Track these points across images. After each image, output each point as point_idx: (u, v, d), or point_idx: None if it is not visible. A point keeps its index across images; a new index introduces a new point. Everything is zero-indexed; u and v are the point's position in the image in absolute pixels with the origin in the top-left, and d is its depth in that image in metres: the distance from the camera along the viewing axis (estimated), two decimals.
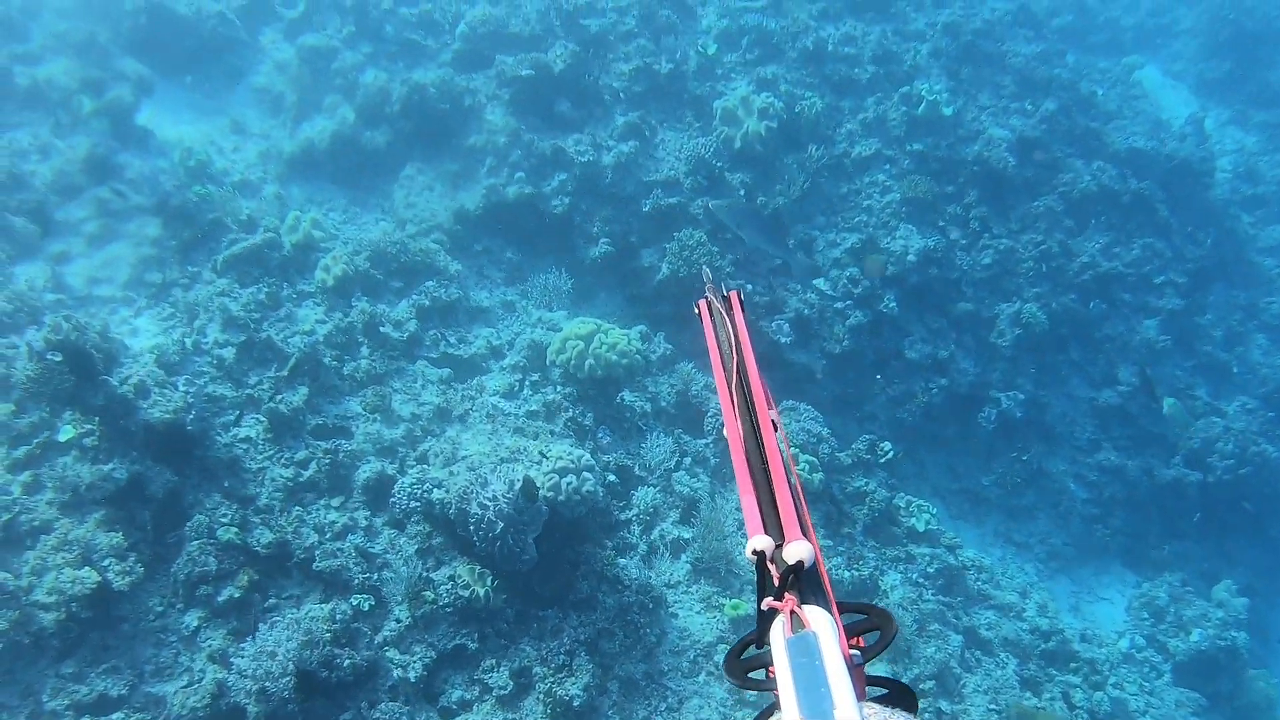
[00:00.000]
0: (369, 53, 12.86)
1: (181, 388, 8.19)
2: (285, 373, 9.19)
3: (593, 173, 11.74)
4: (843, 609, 1.51)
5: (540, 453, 8.27)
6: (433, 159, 11.95)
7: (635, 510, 9.29)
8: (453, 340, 10.33)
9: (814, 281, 12.41)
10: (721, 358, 2.10)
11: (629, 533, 9.21)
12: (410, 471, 8.46)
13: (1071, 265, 13.74)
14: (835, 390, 12.34)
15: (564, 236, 11.88)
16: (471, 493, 7.76)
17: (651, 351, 10.61)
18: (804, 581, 1.48)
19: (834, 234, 13.07)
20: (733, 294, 2.30)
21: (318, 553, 7.90)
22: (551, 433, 9.30)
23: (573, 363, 9.63)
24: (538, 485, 7.91)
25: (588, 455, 8.50)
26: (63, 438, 7.80)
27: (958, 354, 12.98)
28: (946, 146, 13.87)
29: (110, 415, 7.68)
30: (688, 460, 9.93)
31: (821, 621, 1.37)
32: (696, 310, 2.36)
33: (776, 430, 1.83)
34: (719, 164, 12.42)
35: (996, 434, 12.92)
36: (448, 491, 7.96)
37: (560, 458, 8.24)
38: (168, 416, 7.74)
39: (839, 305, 12.52)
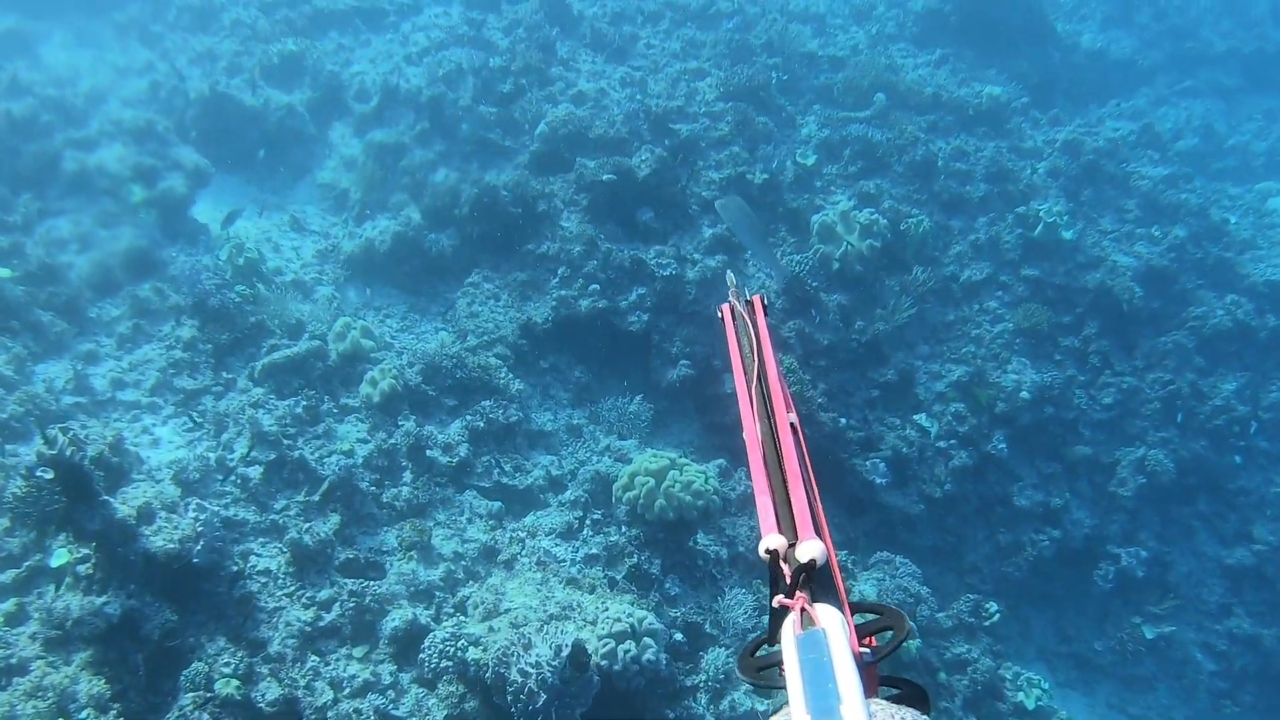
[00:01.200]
0: (441, 151, 12.33)
1: (192, 512, 7.28)
2: (317, 497, 8.31)
3: (674, 288, 10.87)
4: (856, 609, 1.55)
5: (596, 611, 7.15)
6: (500, 266, 11.21)
7: (704, 675, 8.05)
8: (508, 468, 9.37)
9: (915, 417, 11.29)
10: (743, 361, 2.18)
11: (694, 702, 7.95)
12: (446, 623, 7.43)
13: (1203, 408, 12.48)
14: (934, 539, 11.22)
15: (639, 356, 10.97)
16: (512, 655, 6.69)
17: (731, 489, 9.50)
18: (816, 581, 1.50)
19: (938, 365, 12.09)
20: (755, 298, 2.42)
21: (330, 714, 6.83)
22: (611, 582, 8.19)
23: (641, 501, 8.56)
24: (590, 652, 6.79)
25: (651, 617, 7.37)
26: (55, 563, 6.97)
27: (1072, 503, 11.80)
28: (1064, 273, 12.90)
29: (108, 541, 6.80)
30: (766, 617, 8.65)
31: (831, 619, 1.39)
32: (720, 314, 2.45)
33: (797, 434, 1.89)
34: (814, 283, 11.50)
35: (1113, 593, 11.56)
36: (485, 651, 6.90)
37: (619, 619, 7.12)
38: (171, 546, 6.86)
39: (941, 444, 11.44)
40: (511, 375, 9.92)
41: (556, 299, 10.68)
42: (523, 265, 11.11)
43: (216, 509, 7.85)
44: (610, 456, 9.89)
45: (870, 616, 1.58)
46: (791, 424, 1.90)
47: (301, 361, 9.20)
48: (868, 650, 1.50)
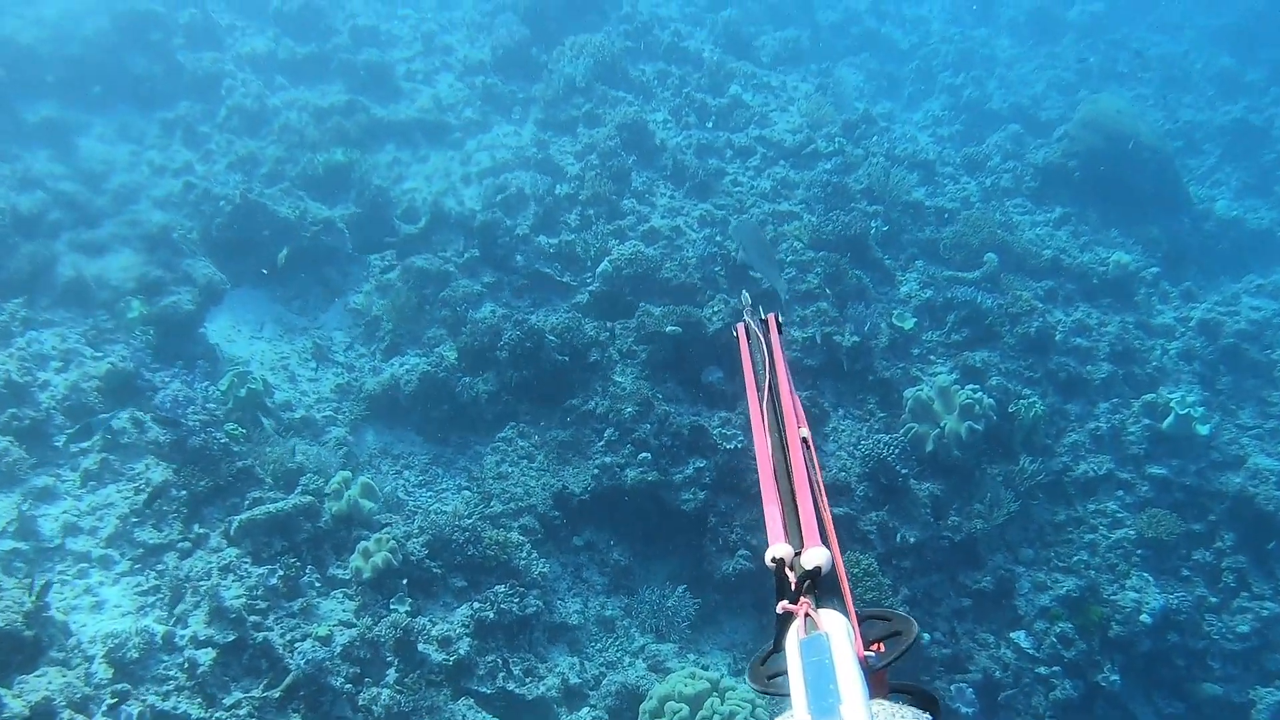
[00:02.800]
0: (490, 283, 11.39)
1: (102, 711, 6.00)
2: (278, 693, 7.03)
3: (739, 464, 9.56)
4: (865, 616, 1.59)
5: None
6: (540, 421, 10.04)
7: None
8: (518, 671, 7.99)
9: (1012, 635, 9.78)
10: (755, 377, 2.33)
11: None
12: None
13: None
14: None
15: (692, 540, 9.63)
16: None
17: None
18: (822, 588, 1.58)
19: (1043, 574, 10.65)
20: (770, 317, 2.59)
21: None
22: None
23: None
24: None
25: None
26: None
27: None
28: (1196, 473, 11.55)
29: None
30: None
31: (835, 623, 1.45)
32: (734, 333, 2.64)
33: (808, 447, 1.99)
34: (903, 469, 10.14)
35: None
36: None
37: None
38: None
39: (1043, 670, 9.91)
40: (535, 555, 8.63)
41: (599, 466, 9.44)
42: (565, 422, 9.93)
43: (150, 701, 6.57)
44: (644, 662, 8.53)
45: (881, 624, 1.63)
46: (803, 438, 2.01)
47: (287, 520, 8.03)
48: (874, 654, 1.53)
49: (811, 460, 1.95)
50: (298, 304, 11.69)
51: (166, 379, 9.18)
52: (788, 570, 1.62)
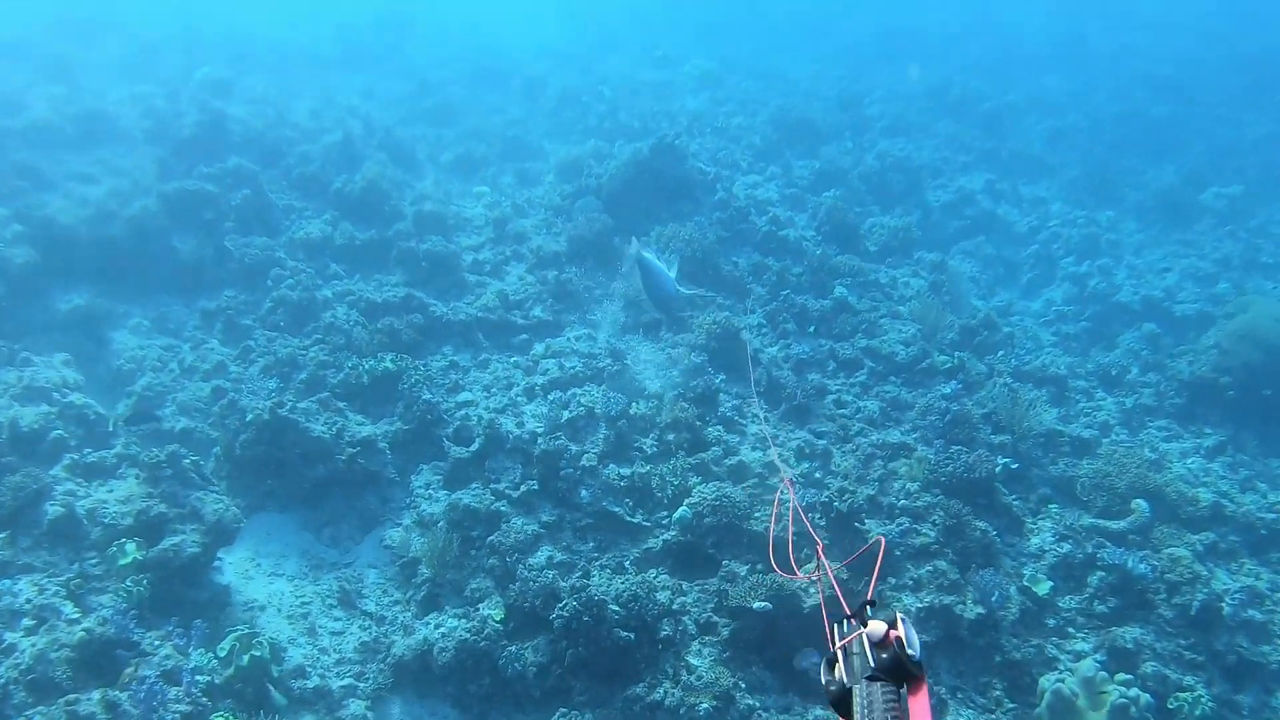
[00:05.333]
0: (549, 522, 10.31)
1: None
2: None
3: None
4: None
5: None
6: (597, 706, 8.71)
7: None
8: None
9: None
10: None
11: None
12: None
13: None
14: None
15: None
16: None
17: None
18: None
19: None
20: (893, 632, 2.18)
21: None
22: None
23: None
24: None
25: None
26: None
27: None
28: None
29: None
30: None
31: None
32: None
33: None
34: None
35: None
36: None
37: None
38: None
39: None
40: None
41: None
42: (628, 713, 8.57)
43: None
44: None
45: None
46: None
47: None
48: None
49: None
50: (329, 533, 10.71)
51: (156, 642, 8.14)
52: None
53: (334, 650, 9.47)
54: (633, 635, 8.76)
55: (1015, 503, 11.38)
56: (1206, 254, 20.70)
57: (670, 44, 36.45)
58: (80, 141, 16.95)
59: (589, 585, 8.98)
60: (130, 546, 8.72)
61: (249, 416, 10.47)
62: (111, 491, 9.45)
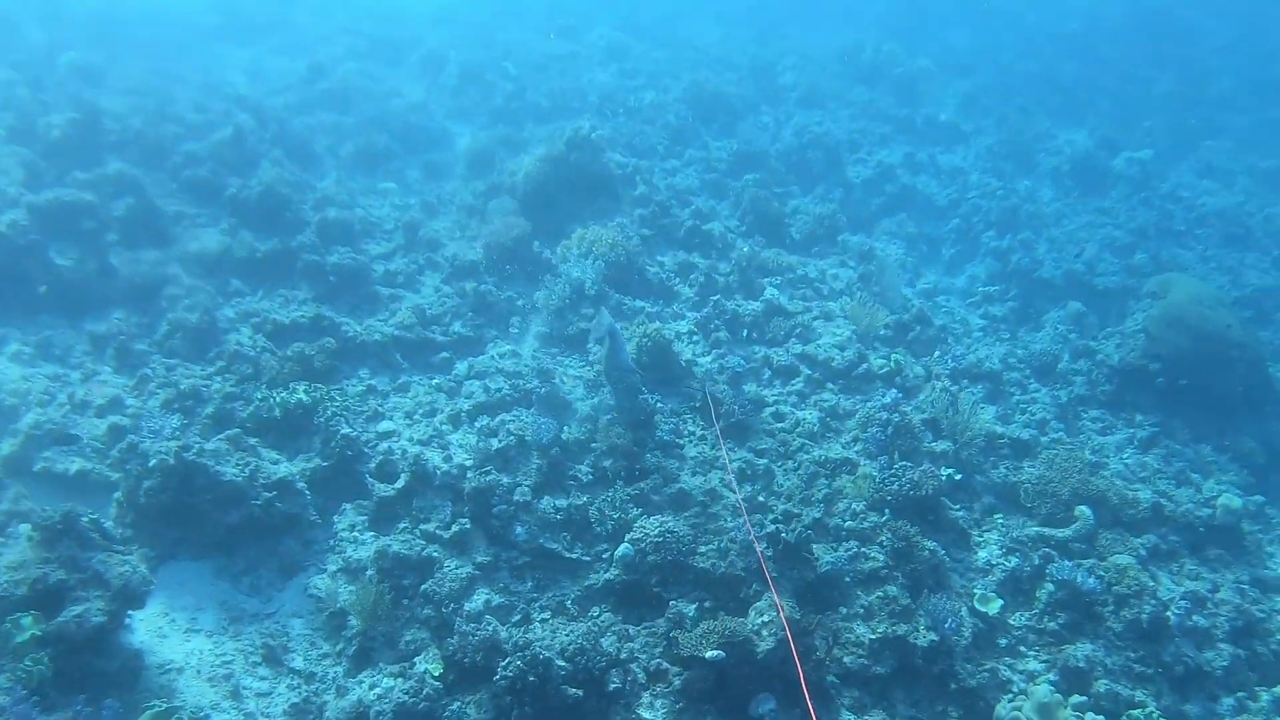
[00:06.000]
0: (484, 563, 10.00)
1: None
2: None
3: None
4: None
5: None
6: None
7: None
8: None
9: None
10: None
11: None
12: None
13: None
14: None
15: None
16: None
17: None
18: None
19: None
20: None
21: None
22: None
23: None
24: None
25: None
26: None
27: None
28: None
29: None
30: None
31: None
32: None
33: None
34: None
35: None
36: None
37: None
38: None
39: None
40: None
41: None
42: None
43: None
44: None
45: None
46: None
47: None
48: None
49: None
50: (248, 581, 10.10)
51: None
52: None
53: (261, 715, 8.96)
54: (581, 691, 8.43)
55: (960, 515, 11.33)
56: (1122, 223, 21.04)
57: (571, 8, 35.73)
58: None
59: (532, 641, 8.60)
60: (26, 621, 8.08)
61: (152, 461, 9.78)
62: (1, 557, 8.77)
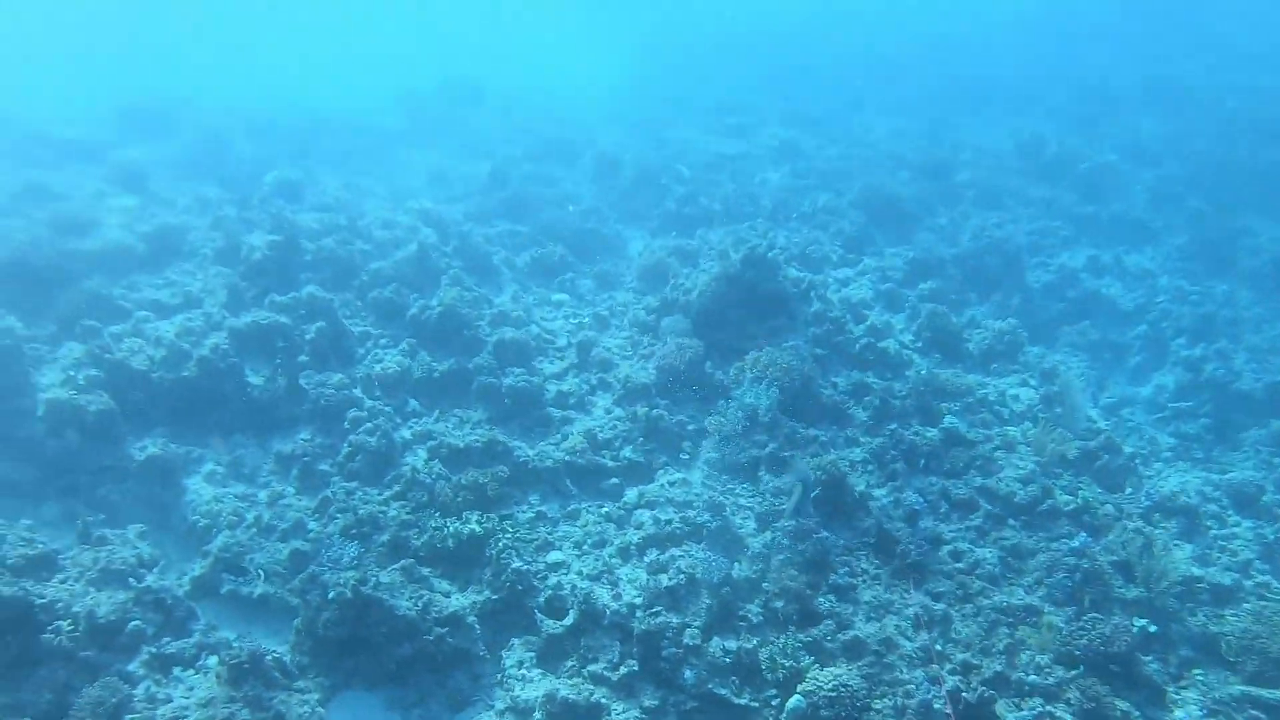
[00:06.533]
0: (652, 708, 9.89)
1: None
2: None
3: None
4: None
5: None
6: None
7: None
8: None
9: None
10: None
11: None
12: None
13: None
14: None
15: None
16: None
17: None
18: None
19: None
20: None
21: None
22: None
23: None
24: None
25: None
26: None
27: None
28: None
29: None
30: None
31: None
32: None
33: None
34: None
35: None
36: None
37: None
38: None
39: None
40: None
41: None
42: None
43: None
44: None
45: None
46: None
47: None
48: None
49: None
50: (417, 714, 10.27)
51: None
52: None
53: None
54: None
55: (1155, 668, 10.63)
56: None
57: (740, 103, 36.17)
58: (151, 261, 16.99)
59: None
60: None
61: (331, 594, 10.15)
62: (192, 692, 9.18)
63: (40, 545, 10.42)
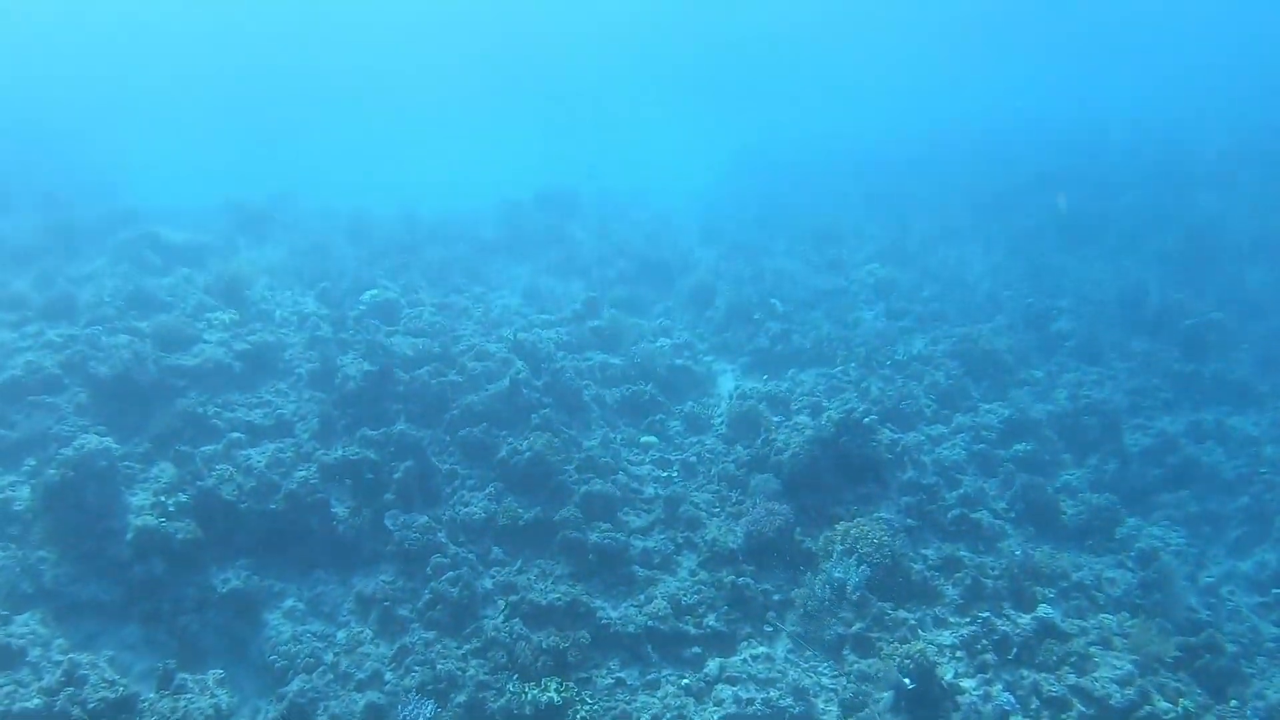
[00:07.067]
0: None
1: None
2: None
3: None
4: None
5: None
6: None
7: None
8: None
9: None
10: None
11: None
12: None
13: None
14: None
15: None
16: None
17: None
18: None
19: None
20: None
21: None
22: None
23: None
24: None
25: None
26: None
27: None
28: None
29: None
30: None
31: None
32: None
33: None
34: None
35: None
36: None
37: None
38: None
39: None
40: None
41: None
42: None
43: None
44: None
45: None
46: None
47: None
48: None
49: None
50: None
51: None
52: None
53: None
54: None
55: None
56: None
57: (836, 231, 36.26)
58: (246, 379, 17.35)
59: None
60: None
61: None
62: None
63: (121, 688, 10.55)
